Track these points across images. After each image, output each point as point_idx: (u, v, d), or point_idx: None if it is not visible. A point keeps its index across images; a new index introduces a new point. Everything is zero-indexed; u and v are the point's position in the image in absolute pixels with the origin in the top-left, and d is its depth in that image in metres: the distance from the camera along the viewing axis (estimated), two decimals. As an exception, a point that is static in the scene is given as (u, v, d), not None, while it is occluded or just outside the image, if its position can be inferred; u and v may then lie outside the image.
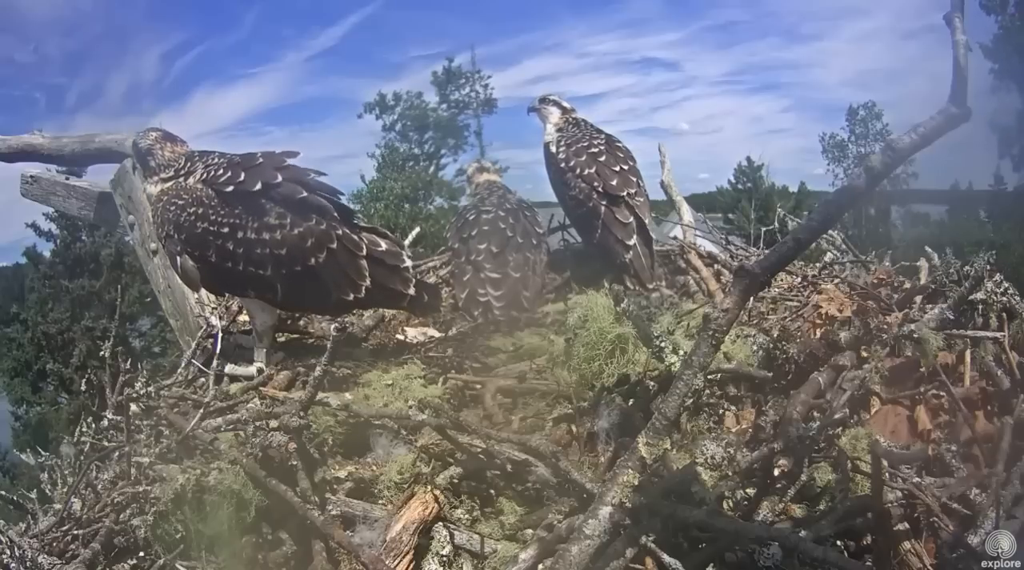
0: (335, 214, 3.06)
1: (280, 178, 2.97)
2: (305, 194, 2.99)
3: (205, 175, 3.05)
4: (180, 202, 3.01)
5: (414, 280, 3.20)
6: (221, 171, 3.02)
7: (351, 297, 3.05)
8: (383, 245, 3.16)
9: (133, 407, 2.73)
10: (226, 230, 2.94)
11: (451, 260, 4.03)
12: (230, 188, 2.96)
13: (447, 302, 3.76)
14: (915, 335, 2.47)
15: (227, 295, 3.85)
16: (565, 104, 4.40)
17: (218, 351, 3.06)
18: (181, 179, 3.09)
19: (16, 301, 20.64)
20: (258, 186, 2.95)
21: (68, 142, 5.46)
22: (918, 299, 3.07)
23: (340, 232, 3.03)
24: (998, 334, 2.55)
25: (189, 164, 3.12)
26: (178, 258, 3.04)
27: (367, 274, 3.05)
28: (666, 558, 1.75)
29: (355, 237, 3.07)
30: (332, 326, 2.46)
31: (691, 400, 2.39)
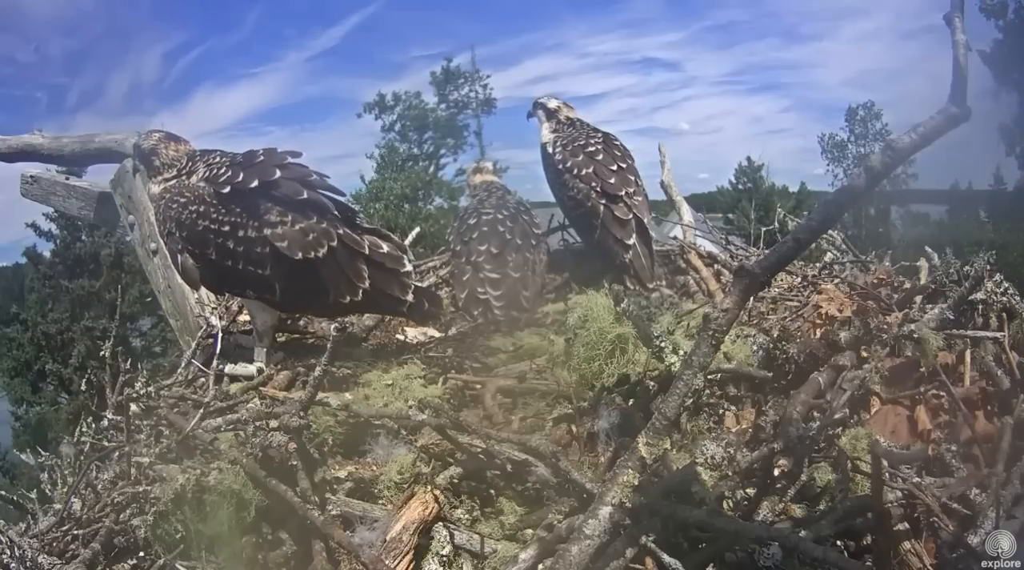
0: (336, 213, 3.05)
1: (280, 176, 2.97)
2: (306, 194, 2.99)
3: (207, 174, 3.05)
4: (182, 200, 3.02)
5: (413, 286, 3.17)
6: (223, 170, 3.02)
7: (348, 300, 3.04)
8: (385, 248, 3.14)
9: (133, 407, 2.72)
10: (227, 229, 2.94)
11: (451, 260, 4.03)
12: (229, 187, 2.96)
13: (447, 302, 3.76)
14: (915, 335, 2.47)
15: (227, 295, 3.85)
16: (562, 104, 4.39)
17: (218, 351, 3.05)
18: (183, 178, 3.10)
19: (16, 301, 20.64)
20: (257, 184, 2.94)
21: (68, 142, 5.48)
22: (918, 299, 3.07)
23: (341, 231, 3.01)
24: (998, 334, 2.55)
25: (191, 163, 3.13)
26: (179, 257, 3.04)
27: (366, 276, 3.04)
28: (666, 558, 1.75)
29: (356, 237, 3.06)
30: (332, 326, 2.46)
31: (691, 400, 2.39)
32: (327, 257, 2.98)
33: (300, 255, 2.95)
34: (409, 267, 3.20)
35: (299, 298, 3.10)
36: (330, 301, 3.05)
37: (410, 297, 3.13)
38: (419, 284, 3.34)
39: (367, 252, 3.06)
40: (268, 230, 2.94)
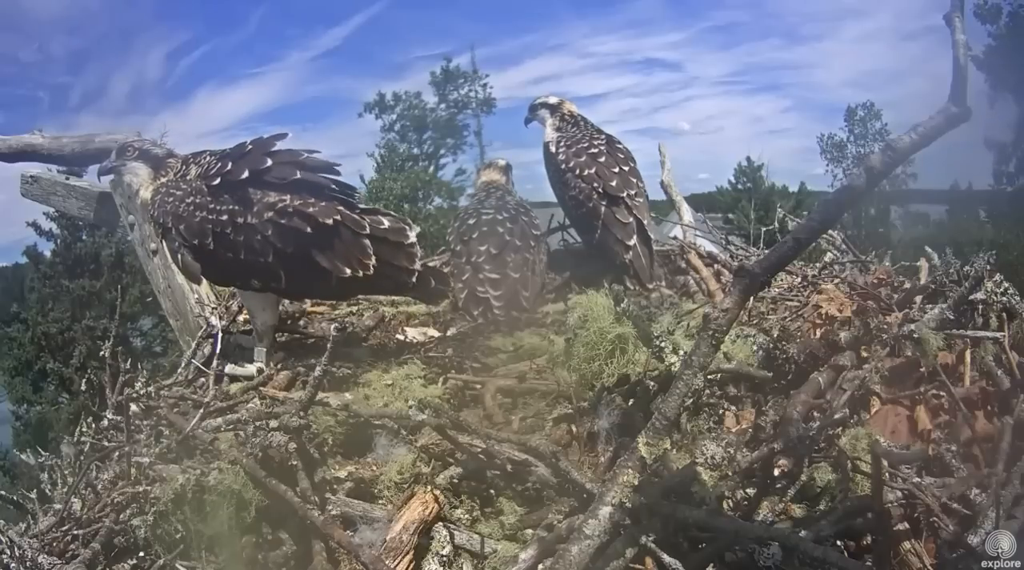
0: (332, 191, 3.04)
1: (270, 162, 2.96)
2: (299, 175, 2.97)
3: (199, 171, 3.06)
4: (178, 193, 3.02)
5: (419, 256, 3.14)
6: (214, 165, 3.03)
7: (361, 273, 2.98)
8: (386, 223, 3.10)
9: (133, 407, 2.73)
10: (224, 217, 2.92)
11: (451, 260, 4.04)
12: (220, 179, 2.96)
13: (447, 302, 3.76)
14: (915, 335, 2.47)
15: (229, 293, 3.85)
16: (559, 102, 4.39)
17: (218, 351, 3.05)
18: (177, 178, 3.11)
19: (16, 300, 20.62)
20: (246, 173, 2.93)
21: (68, 142, 5.48)
22: (918, 299, 3.06)
23: (340, 209, 2.99)
24: (998, 334, 2.54)
25: (185, 166, 3.14)
26: (179, 254, 3.03)
27: (371, 252, 3.00)
28: (666, 558, 1.75)
29: (355, 216, 3.03)
30: (332, 326, 2.46)
31: (691, 400, 2.39)
32: (329, 236, 2.95)
33: (301, 239, 2.92)
34: (413, 237, 3.15)
35: (306, 282, 3.06)
36: (337, 281, 3.00)
37: (417, 266, 3.10)
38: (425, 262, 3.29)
39: (368, 230, 3.03)
40: (268, 213, 2.92)
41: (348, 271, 2.98)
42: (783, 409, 2.40)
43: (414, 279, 3.11)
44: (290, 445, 2.28)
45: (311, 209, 2.94)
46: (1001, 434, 2.04)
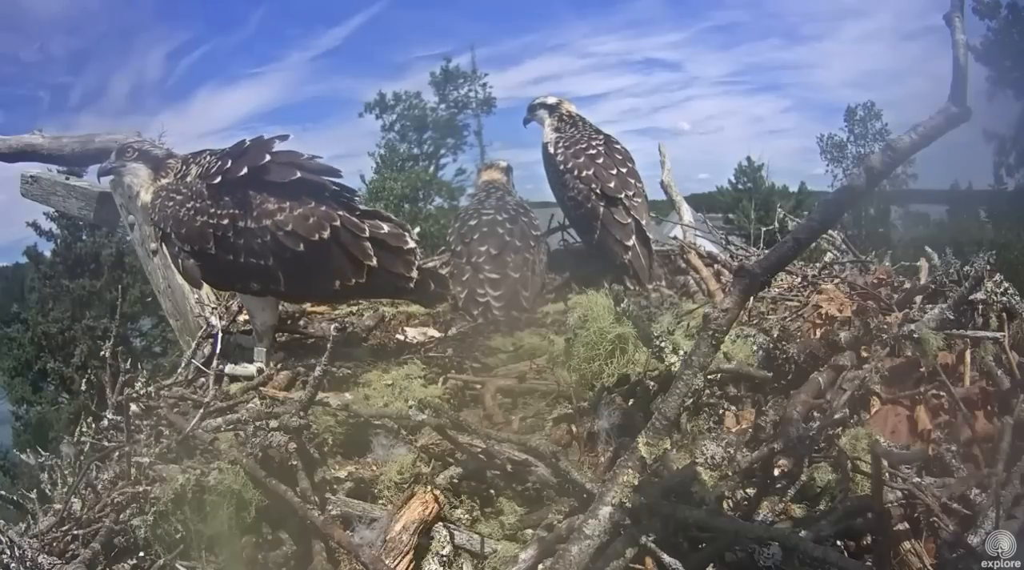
0: (332, 192, 3.04)
1: (269, 160, 2.95)
2: (299, 175, 2.96)
3: (199, 172, 3.05)
4: (178, 197, 3.01)
5: (417, 263, 3.15)
6: (213, 164, 3.02)
7: (353, 282, 3.00)
8: (386, 228, 3.10)
9: (133, 407, 2.73)
10: (225, 221, 2.92)
11: (451, 261, 4.04)
12: (219, 178, 2.95)
13: (448, 302, 3.76)
14: (915, 335, 2.47)
15: (229, 293, 3.85)
16: (557, 102, 4.39)
17: (218, 351, 3.05)
18: (177, 179, 3.11)
19: (17, 300, 20.64)
20: (247, 172, 2.92)
21: (68, 142, 5.48)
22: (918, 299, 3.06)
23: (340, 213, 2.99)
24: (998, 334, 2.54)
25: (185, 166, 3.13)
26: (179, 259, 3.03)
27: (372, 254, 3.01)
28: (666, 558, 1.75)
29: (354, 219, 3.03)
30: (332, 326, 2.46)
31: (691, 400, 2.39)
32: (330, 240, 2.95)
33: (303, 240, 2.92)
34: (412, 244, 3.15)
35: (305, 285, 3.06)
36: (336, 285, 3.01)
37: (415, 273, 3.10)
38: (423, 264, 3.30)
39: (367, 234, 3.02)
40: (267, 220, 2.91)
41: (347, 278, 2.99)
42: (783, 409, 2.40)
43: (412, 285, 3.12)
44: (290, 445, 2.28)
45: (312, 214, 2.94)
46: (1001, 434, 2.04)
